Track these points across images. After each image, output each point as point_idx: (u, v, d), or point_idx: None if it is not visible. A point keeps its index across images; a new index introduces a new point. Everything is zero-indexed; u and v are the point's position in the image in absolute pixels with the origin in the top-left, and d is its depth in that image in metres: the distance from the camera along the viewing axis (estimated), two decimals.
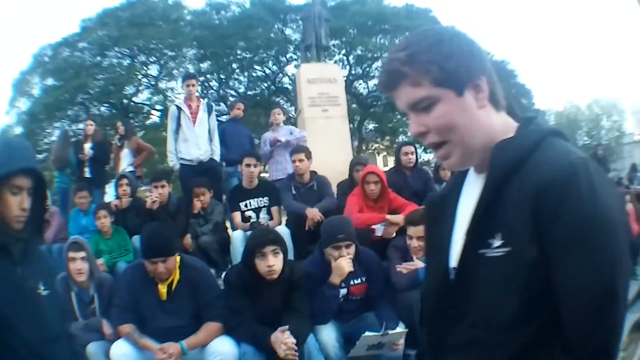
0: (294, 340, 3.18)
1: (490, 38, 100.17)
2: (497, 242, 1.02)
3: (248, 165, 5.47)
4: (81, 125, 18.34)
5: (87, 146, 7.57)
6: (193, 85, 6.68)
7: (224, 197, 6.32)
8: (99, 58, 21.35)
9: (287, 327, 3.23)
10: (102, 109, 21.94)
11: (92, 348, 3.50)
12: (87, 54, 21.43)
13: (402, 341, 3.53)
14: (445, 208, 1.24)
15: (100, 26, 21.57)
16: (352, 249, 3.76)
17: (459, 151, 1.10)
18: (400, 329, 3.56)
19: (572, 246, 0.94)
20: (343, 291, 3.82)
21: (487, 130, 1.10)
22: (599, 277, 0.93)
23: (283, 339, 3.17)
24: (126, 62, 22.07)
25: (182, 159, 6.37)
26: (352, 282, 3.84)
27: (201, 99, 6.84)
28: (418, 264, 3.84)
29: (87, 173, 7.50)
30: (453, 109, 1.07)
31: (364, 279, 3.88)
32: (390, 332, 3.45)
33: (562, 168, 0.97)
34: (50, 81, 21.55)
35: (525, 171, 1.02)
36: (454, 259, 1.15)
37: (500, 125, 1.12)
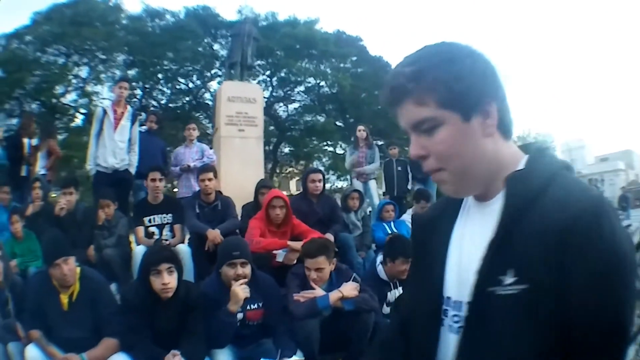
0: None
1: None
2: (509, 279, 0.95)
3: (153, 180, 5.39)
4: (14, 121, 17.31)
5: (26, 142, 7.25)
6: (125, 88, 6.59)
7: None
8: (39, 53, 20.65)
9: (178, 351, 3.21)
10: (34, 106, 21.11)
11: (12, 348, 3.51)
12: (30, 48, 20.69)
13: None
14: (436, 231, 1.19)
15: (46, 21, 20.90)
16: (248, 269, 3.76)
17: (456, 180, 1.06)
18: (297, 357, 3.57)
19: (592, 285, 0.89)
20: (239, 316, 3.78)
21: (491, 160, 1.05)
22: (614, 317, 0.90)
23: None
24: (61, 60, 21.39)
25: (98, 164, 6.21)
26: (248, 307, 3.82)
27: (127, 106, 6.67)
28: (317, 292, 3.87)
29: (23, 172, 7.15)
30: (457, 135, 1.01)
31: (260, 304, 3.86)
32: (287, 358, 3.45)
33: (586, 206, 0.92)
34: None
35: (544, 205, 0.95)
36: (454, 291, 1.11)
37: (508, 155, 1.07)
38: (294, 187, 32.76)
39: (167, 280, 3.35)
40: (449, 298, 1.11)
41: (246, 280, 3.69)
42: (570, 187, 0.98)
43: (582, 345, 0.91)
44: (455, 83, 0.99)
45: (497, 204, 1.03)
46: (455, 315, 1.09)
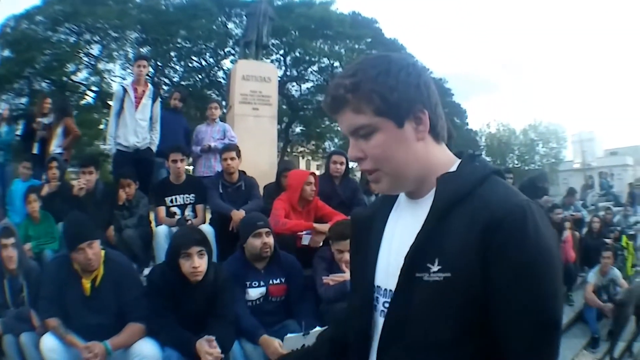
0: (220, 351, 3.11)
1: (432, 54, 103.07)
2: (435, 268, 1.05)
3: (174, 161, 5.32)
4: (23, 100, 17.37)
5: (42, 121, 7.26)
6: (144, 66, 6.54)
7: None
8: (49, 33, 20.75)
9: (213, 337, 3.15)
10: (44, 84, 21.21)
11: (24, 338, 3.34)
12: (40, 28, 20.80)
13: None
14: (372, 228, 1.29)
15: (58, 1, 20.90)
16: (272, 240, 3.84)
17: (389, 179, 1.15)
18: (320, 327, 3.49)
19: (517, 281, 0.98)
20: (262, 290, 3.81)
21: (422, 162, 1.15)
22: (542, 310, 0.99)
23: (209, 348, 3.10)
24: (72, 39, 21.43)
25: (119, 144, 6.14)
26: (271, 282, 3.85)
27: (149, 84, 6.59)
28: (347, 275, 3.80)
29: (35, 149, 7.17)
30: (391, 140, 1.12)
31: (282, 280, 3.89)
32: (312, 331, 3.40)
33: (511, 208, 1.02)
34: (7, 52, 20.86)
35: (470, 205, 1.06)
36: (382, 280, 1.20)
37: (440, 157, 1.18)
38: (304, 166, 32.80)
39: (197, 264, 3.29)
40: (379, 287, 1.22)
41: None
42: (496, 190, 1.08)
43: (510, 339, 1.01)
44: (390, 94, 1.09)
45: (427, 202, 1.13)
46: (385, 302, 1.17)
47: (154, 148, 6.34)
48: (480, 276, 1.00)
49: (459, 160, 1.18)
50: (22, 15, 20.93)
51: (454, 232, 1.04)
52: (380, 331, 1.17)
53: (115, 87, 7.60)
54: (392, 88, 1.09)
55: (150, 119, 6.29)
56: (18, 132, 7.38)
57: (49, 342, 3.18)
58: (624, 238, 9.40)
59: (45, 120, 7.35)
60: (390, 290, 1.15)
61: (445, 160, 1.18)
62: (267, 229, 3.83)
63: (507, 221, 0.99)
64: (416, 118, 1.11)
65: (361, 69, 1.12)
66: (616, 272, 6.86)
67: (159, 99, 6.61)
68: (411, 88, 1.11)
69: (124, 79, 21.00)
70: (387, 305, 1.16)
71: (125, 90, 6.24)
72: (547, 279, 1.00)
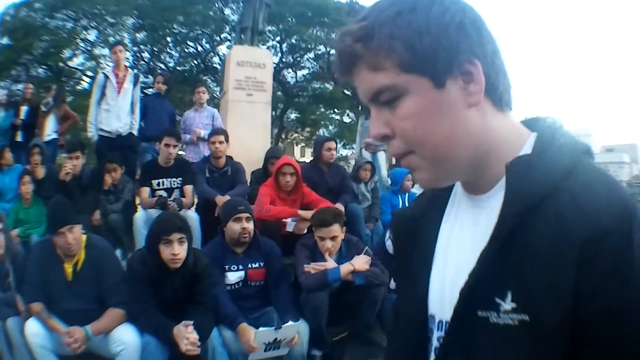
0: (197, 336, 3.10)
1: None
2: (507, 305, 0.72)
3: (167, 145, 5.22)
4: (20, 86, 17.41)
5: (24, 109, 7.40)
6: (120, 51, 6.56)
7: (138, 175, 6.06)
8: (47, 19, 20.70)
9: (191, 322, 3.15)
10: (40, 70, 21.28)
11: (11, 323, 3.31)
12: (39, 15, 20.74)
13: (296, 336, 3.50)
14: (420, 233, 0.94)
15: None
16: (252, 225, 3.86)
17: (433, 166, 0.79)
18: (292, 322, 3.51)
19: (621, 320, 0.65)
20: (241, 274, 3.82)
21: (480, 138, 0.79)
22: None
23: (186, 333, 3.09)
24: (69, 25, 21.39)
25: (101, 129, 6.20)
26: (250, 266, 3.86)
27: (129, 69, 6.69)
28: (328, 264, 3.82)
29: (19, 137, 7.30)
30: (427, 107, 0.76)
31: (262, 264, 3.91)
32: (284, 325, 3.42)
33: (619, 214, 0.67)
34: (5, 40, 20.86)
35: (559, 207, 0.70)
36: (437, 308, 0.87)
37: (506, 132, 0.81)
38: (298, 153, 32.73)
39: (177, 251, 3.28)
40: (432, 316, 0.88)
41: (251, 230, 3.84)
42: (595, 184, 0.72)
43: None
44: (419, 38, 0.73)
45: (494, 199, 0.79)
46: (441, 337, 0.85)
47: (135, 131, 6.39)
48: (571, 318, 0.67)
49: (533, 135, 0.82)
50: (22, 3, 20.87)
51: (535, 251, 0.70)
52: None
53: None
54: (422, 29, 0.73)
55: (131, 103, 6.36)
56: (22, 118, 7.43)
57: (32, 327, 3.18)
58: None
59: (44, 107, 7.45)
60: (447, 323, 0.82)
61: (514, 135, 0.82)
62: (247, 215, 3.84)
63: (618, 232, 0.66)
64: (464, 73, 0.75)
65: (375, 9, 0.77)
66: None
67: (139, 83, 6.70)
68: (451, 28, 0.74)
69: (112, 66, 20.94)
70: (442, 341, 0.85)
71: (106, 77, 6.32)
72: None
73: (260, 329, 3.39)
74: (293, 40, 23.62)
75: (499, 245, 0.72)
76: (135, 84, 6.44)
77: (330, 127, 25.91)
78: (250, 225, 3.85)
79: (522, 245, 0.71)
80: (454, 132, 0.76)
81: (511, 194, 0.74)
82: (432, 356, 0.86)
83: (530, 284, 0.69)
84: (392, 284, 4.22)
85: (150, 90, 7.55)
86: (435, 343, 0.86)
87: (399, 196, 6.34)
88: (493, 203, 0.79)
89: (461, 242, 0.84)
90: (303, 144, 30.16)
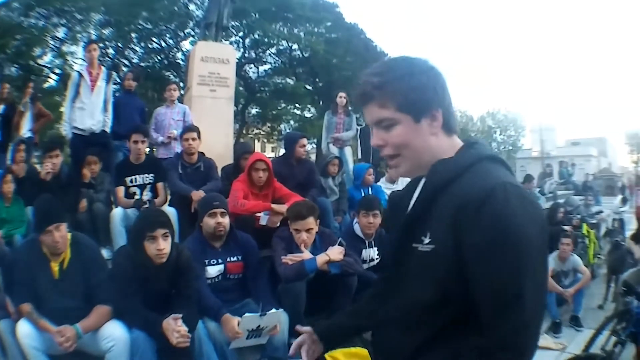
0: (187, 329, 3.17)
1: (391, 38, 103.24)
2: (426, 240, 1.26)
3: (135, 142, 5.35)
4: None
5: (0, 107, 7.29)
6: (95, 50, 6.59)
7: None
8: (22, 18, 20.42)
9: (180, 315, 3.21)
10: (12, 69, 20.89)
11: (2, 325, 3.28)
12: (15, 14, 20.40)
13: (279, 325, 3.61)
14: (402, 206, 1.46)
15: None
16: (227, 220, 3.97)
17: (407, 164, 1.35)
18: (275, 310, 3.61)
19: (483, 254, 1.15)
20: (220, 267, 3.92)
21: (434, 151, 1.33)
22: (505, 282, 1.13)
23: (176, 326, 3.15)
24: (41, 23, 21.08)
25: (75, 127, 6.20)
26: (228, 259, 3.97)
27: (102, 67, 6.69)
28: (304, 255, 3.95)
29: None
30: (409, 132, 1.30)
31: (240, 258, 4.02)
32: (268, 312, 3.52)
33: (480, 190, 1.18)
34: None
35: (454, 188, 1.23)
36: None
37: (447, 147, 1.34)
38: (259, 148, 32.67)
39: (162, 246, 3.31)
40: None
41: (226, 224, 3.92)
42: (479, 173, 1.24)
43: (481, 305, 1.18)
44: (411, 93, 1.27)
45: None
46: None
47: (108, 130, 6.40)
48: (454, 251, 1.19)
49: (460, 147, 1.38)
50: (2, 3, 20.39)
51: (438, 212, 1.24)
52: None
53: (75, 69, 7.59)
54: (414, 88, 1.27)
55: (104, 101, 6.35)
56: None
57: (23, 328, 3.15)
58: (585, 226, 9.54)
59: (22, 107, 7.36)
60: None
61: (452, 149, 1.34)
62: (222, 209, 3.94)
63: (472, 202, 1.16)
64: (432, 116, 1.30)
65: (387, 70, 1.31)
66: (576, 259, 6.85)
67: (112, 81, 6.71)
68: (429, 90, 1.29)
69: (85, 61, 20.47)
70: None
71: (80, 75, 6.31)
72: (512, 254, 1.12)
73: (246, 314, 3.47)
74: (256, 36, 23.60)
75: (420, 207, 1.31)
76: (108, 81, 6.44)
77: (292, 122, 25.98)
78: (225, 220, 3.94)
79: (435, 207, 1.25)
80: (422, 147, 1.32)
81: (428, 179, 1.33)
82: None
83: (435, 229, 1.24)
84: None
85: (118, 86, 7.65)
86: None
87: (361, 190, 6.53)
88: None
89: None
90: (264, 140, 30.13)
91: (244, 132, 26.91)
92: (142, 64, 22.70)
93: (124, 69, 19.79)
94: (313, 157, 17.48)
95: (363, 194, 6.26)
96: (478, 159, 1.29)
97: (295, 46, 24.03)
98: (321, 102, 24.33)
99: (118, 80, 10.18)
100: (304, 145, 5.92)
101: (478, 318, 1.19)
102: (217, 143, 7.51)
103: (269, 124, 27.43)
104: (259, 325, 3.51)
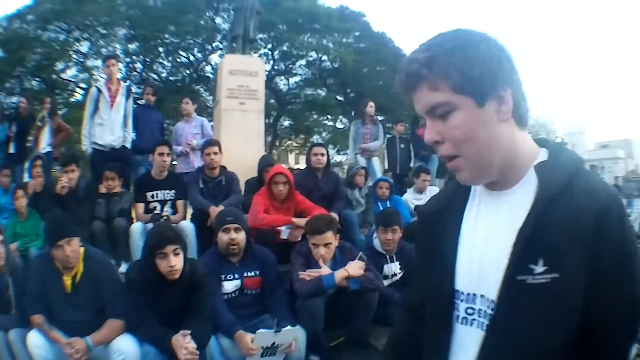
0: (195, 345, 3.13)
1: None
2: (539, 269, 0.96)
3: (161, 154, 5.33)
4: (14, 99, 17.44)
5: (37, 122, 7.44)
6: (113, 65, 6.57)
7: (132, 187, 6.12)
8: (40, 31, 20.69)
9: (189, 331, 3.17)
10: (34, 83, 21.26)
11: (13, 335, 3.33)
12: (32, 27, 20.72)
13: (294, 342, 3.52)
14: (444, 225, 1.17)
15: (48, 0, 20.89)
16: (242, 235, 3.89)
17: (472, 166, 1.04)
18: (291, 327, 3.53)
19: (619, 269, 0.94)
20: (237, 283, 3.85)
21: (508, 148, 1.04)
22: (633, 298, 0.95)
23: (184, 343, 3.12)
24: (62, 37, 21.36)
25: (95, 143, 6.23)
26: (245, 274, 3.90)
27: (121, 82, 6.72)
28: (322, 270, 3.86)
29: (12, 148, 7.36)
30: (471, 120, 1.00)
31: (257, 273, 3.94)
32: (283, 329, 3.43)
33: (614, 197, 0.98)
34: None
35: (573, 196, 0.97)
36: (465, 284, 1.11)
37: (524, 144, 1.07)
38: (292, 160, 32.75)
39: (173, 263, 3.29)
40: (458, 291, 1.12)
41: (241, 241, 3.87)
42: (594, 180, 1.02)
43: (601, 325, 0.95)
44: (469, 68, 0.98)
45: (516, 194, 1.05)
46: (469, 308, 1.10)
47: (129, 145, 6.42)
48: (587, 271, 0.93)
49: (544, 149, 1.10)
50: (15, 15, 20.84)
51: (559, 227, 0.95)
52: (469, 342, 1.08)
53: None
54: (472, 62, 0.98)
55: (124, 116, 6.38)
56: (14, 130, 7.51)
57: (34, 338, 3.21)
58: None
59: (39, 121, 7.47)
60: (474, 295, 1.09)
61: (529, 147, 1.08)
62: (236, 225, 3.86)
63: (614, 209, 0.95)
64: (498, 97, 1.00)
65: (436, 42, 1.02)
66: None
67: (132, 96, 6.75)
68: (492, 62, 0.99)
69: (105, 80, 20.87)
70: (470, 311, 1.09)
71: (99, 91, 6.34)
72: (638, 266, 0.96)
73: (260, 330, 3.40)
74: (285, 48, 23.61)
75: (532, 225, 0.97)
76: (127, 97, 6.46)
77: (324, 134, 25.94)
78: (239, 236, 3.86)
79: (548, 224, 0.96)
80: (490, 140, 1.02)
81: (542, 187, 1.00)
82: (458, 323, 1.11)
83: (557, 251, 0.95)
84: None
85: (141, 101, 7.71)
86: (462, 314, 1.11)
87: (379, 203, 6.39)
88: (517, 196, 1.05)
89: (487, 227, 1.09)
90: (297, 151, 30.20)
91: (277, 144, 27.02)
92: (171, 78, 22.98)
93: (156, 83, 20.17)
94: (346, 168, 17.37)
95: (381, 208, 6.12)
96: (580, 163, 1.06)
97: (324, 57, 24.00)
98: (352, 113, 24.23)
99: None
100: (317, 154, 5.79)
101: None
102: (248, 156, 7.46)
103: (301, 136, 27.44)
104: (273, 343, 3.42)
